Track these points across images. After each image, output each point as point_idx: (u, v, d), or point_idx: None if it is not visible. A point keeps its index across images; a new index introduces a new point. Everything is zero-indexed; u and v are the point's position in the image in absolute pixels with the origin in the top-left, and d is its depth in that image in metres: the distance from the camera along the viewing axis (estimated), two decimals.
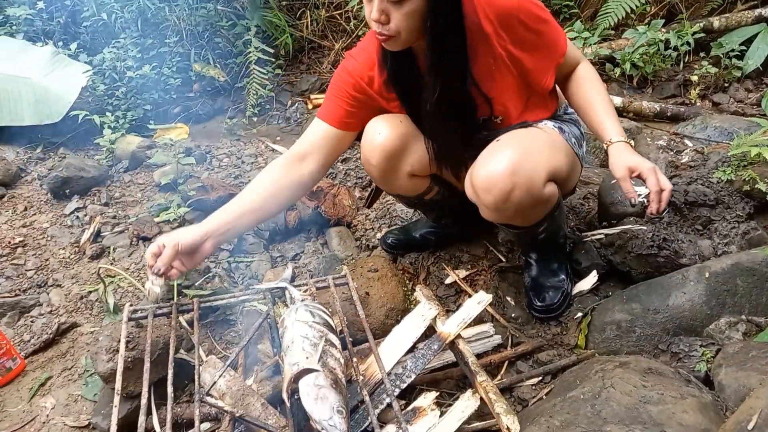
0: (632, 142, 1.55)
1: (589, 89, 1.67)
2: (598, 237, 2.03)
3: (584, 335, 1.84)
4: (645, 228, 1.93)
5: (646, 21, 3.45)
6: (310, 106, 3.41)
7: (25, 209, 2.57)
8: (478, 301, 1.70)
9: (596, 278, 1.97)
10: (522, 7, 1.50)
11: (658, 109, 3.03)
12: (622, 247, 1.94)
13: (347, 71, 1.66)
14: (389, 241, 2.22)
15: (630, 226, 1.97)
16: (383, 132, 1.70)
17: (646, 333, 1.73)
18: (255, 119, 3.39)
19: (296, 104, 3.47)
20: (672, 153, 2.21)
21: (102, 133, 2.88)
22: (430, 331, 1.70)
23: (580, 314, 1.90)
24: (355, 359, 1.46)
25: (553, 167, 1.63)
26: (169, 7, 3.33)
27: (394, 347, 1.62)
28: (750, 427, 1.04)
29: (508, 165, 1.53)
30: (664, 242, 1.88)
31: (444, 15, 1.40)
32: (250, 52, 3.34)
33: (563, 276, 1.95)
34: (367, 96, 1.68)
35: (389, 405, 1.46)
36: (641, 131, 2.48)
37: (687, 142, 2.67)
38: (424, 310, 1.71)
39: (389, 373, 1.49)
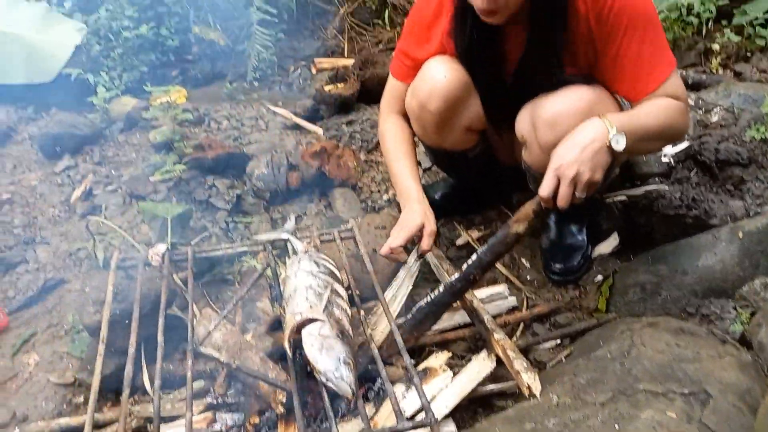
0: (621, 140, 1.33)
1: (650, 104, 1.40)
2: (620, 198, 1.91)
3: (605, 298, 1.73)
4: (672, 188, 1.81)
5: None
6: (314, 71, 3.27)
7: (14, 167, 2.46)
8: None
9: (617, 240, 1.86)
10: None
11: None
12: (647, 208, 1.83)
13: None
14: None
15: (655, 186, 1.86)
16: (448, 75, 1.51)
17: (673, 295, 1.62)
18: (256, 84, 3.25)
19: (299, 69, 3.33)
20: (700, 112, 2.09)
21: (96, 93, 2.75)
22: None
23: (600, 277, 1.79)
24: (362, 313, 1.35)
25: None
26: None
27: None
28: None
29: (584, 105, 1.39)
30: (693, 202, 1.77)
31: None
32: (251, 13, 3.20)
33: (583, 238, 1.84)
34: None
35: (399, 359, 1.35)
36: None
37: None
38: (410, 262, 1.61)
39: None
